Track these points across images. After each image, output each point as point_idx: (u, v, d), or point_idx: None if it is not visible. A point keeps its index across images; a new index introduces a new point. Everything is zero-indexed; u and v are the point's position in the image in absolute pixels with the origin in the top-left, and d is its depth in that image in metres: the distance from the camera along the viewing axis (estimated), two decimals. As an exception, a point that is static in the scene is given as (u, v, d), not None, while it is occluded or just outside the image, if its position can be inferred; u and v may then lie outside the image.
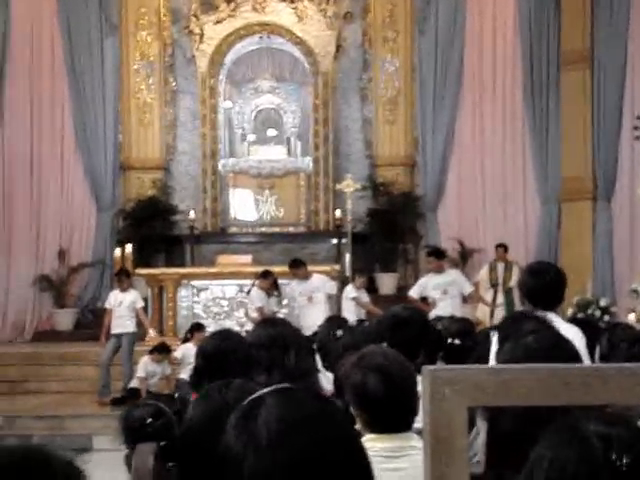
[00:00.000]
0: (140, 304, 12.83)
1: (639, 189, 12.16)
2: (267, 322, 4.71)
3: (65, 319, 16.44)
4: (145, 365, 12.08)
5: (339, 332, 4.76)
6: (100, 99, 17.21)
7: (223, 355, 3.99)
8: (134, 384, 12.19)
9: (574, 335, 4.62)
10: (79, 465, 1.42)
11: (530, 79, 16.61)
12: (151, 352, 12.18)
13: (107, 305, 12.97)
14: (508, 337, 3.50)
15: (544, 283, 4.77)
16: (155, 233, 16.99)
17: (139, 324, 12.88)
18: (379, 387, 2.92)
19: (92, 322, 15.58)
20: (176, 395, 10.04)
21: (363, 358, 3.06)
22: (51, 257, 16.83)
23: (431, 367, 1.45)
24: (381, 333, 4.18)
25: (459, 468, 1.38)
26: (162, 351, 12.11)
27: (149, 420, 3.42)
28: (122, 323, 12.59)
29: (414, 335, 4.06)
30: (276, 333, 4.24)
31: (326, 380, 4.63)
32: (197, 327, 12.13)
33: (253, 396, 1.57)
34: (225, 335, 4.24)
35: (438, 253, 13.27)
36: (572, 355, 2.69)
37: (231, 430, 1.53)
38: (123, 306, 12.64)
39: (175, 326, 14.40)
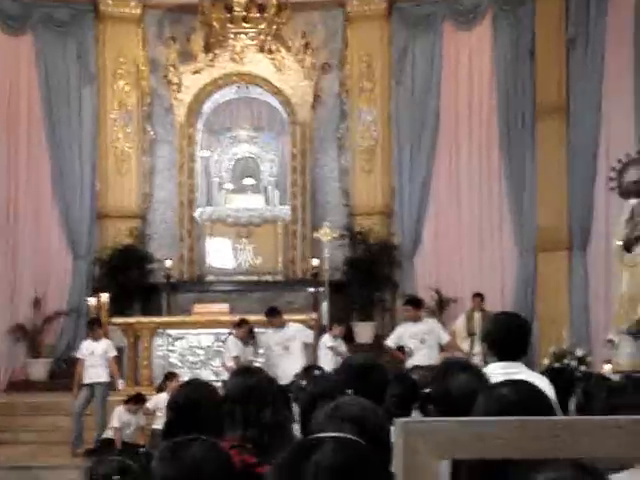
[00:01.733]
0: (112, 353, 12.73)
1: (615, 239, 12.22)
2: (244, 371, 4.65)
3: (39, 369, 16.28)
4: (120, 415, 11.95)
5: (303, 382, 4.73)
6: (77, 147, 17.23)
7: (194, 406, 3.95)
8: (108, 434, 12.04)
9: (544, 386, 4.61)
10: None
11: (506, 129, 16.76)
12: (126, 402, 12.05)
13: (79, 355, 12.88)
14: (441, 386, 3.51)
15: (506, 333, 4.75)
16: (131, 281, 16.92)
17: (111, 374, 12.77)
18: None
19: (66, 372, 15.39)
20: (141, 450, 9.94)
21: (338, 408, 3.03)
22: (26, 305, 16.70)
23: (404, 419, 1.44)
24: (342, 383, 4.17)
25: (433, 521, 1.38)
26: (138, 401, 11.99)
27: (115, 477, 3.39)
28: (94, 373, 12.49)
29: (372, 382, 4.05)
30: (253, 384, 4.19)
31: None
32: (170, 376, 12.04)
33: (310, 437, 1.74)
34: (195, 385, 4.19)
35: (415, 302, 13.20)
36: (547, 407, 2.68)
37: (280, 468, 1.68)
38: (95, 355, 12.55)
39: (151, 375, 14.28)
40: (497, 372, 4.01)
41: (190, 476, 2.44)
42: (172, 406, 4.09)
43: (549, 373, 5.11)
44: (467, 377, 3.45)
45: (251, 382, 4.18)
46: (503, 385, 2.90)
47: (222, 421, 3.88)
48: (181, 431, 3.83)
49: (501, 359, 4.65)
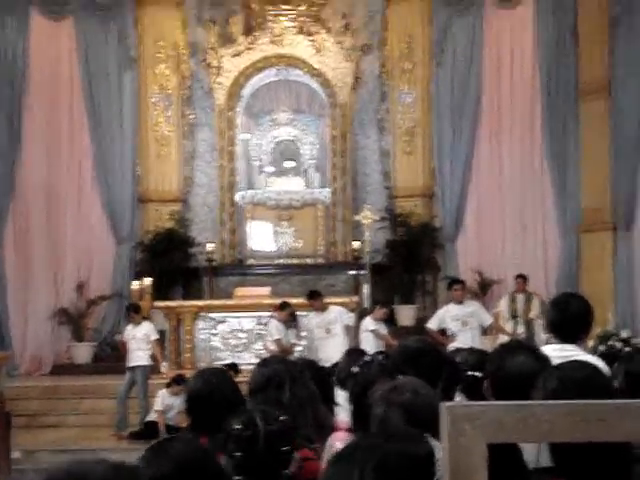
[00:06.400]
0: (154, 336, 12.83)
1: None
2: (262, 362, 4.76)
3: (83, 352, 16.45)
4: (162, 398, 12.04)
5: (354, 369, 4.74)
6: (118, 132, 17.32)
7: (208, 397, 4.04)
8: (152, 417, 12.14)
9: (600, 368, 4.54)
10: None
11: (548, 109, 16.62)
12: (168, 385, 12.14)
13: (123, 338, 13.10)
14: (499, 368, 3.48)
15: (566, 315, 4.69)
16: (173, 265, 17.01)
17: (154, 357, 12.88)
18: (400, 422, 2.89)
19: (110, 355, 15.61)
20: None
21: (392, 391, 3.04)
22: (69, 290, 16.86)
23: (450, 403, 1.44)
24: (395, 367, 4.15)
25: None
26: (179, 383, 12.06)
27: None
28: (135, 356, 12.64)
29: (426, 366, 4.03)
30: (269, 373, 4.29)
31: (345, 413, 4.60)
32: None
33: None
34: (205, 377, 4.28)
35: (462, 282, 13.34)
36: (608, 388, 2.66)
37: None
38: (136, 339, 12.70)
39: (193, 358, 14.36)
40: (552, 354, 3.97)
41: (172, 475, 2.43)
42: (189, 404, 4.18)
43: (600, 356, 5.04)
44: (525, 358, 3.41)
45: (267, 372, 4.28)
46: (563, 366, 2.87)
47: (242, 406, 3.93)
48: (203, 423, 3.90)
49: (561, 341, 4.60)
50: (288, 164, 18.32)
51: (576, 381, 2.62)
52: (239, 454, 3.07)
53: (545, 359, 3.50)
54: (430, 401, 2.95)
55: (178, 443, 2.45)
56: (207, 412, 3.99)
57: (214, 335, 14.62)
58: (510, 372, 3.36)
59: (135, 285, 16.12)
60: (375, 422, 3.00)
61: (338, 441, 3.66)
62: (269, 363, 4.60)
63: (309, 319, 12.96)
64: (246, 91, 17.98)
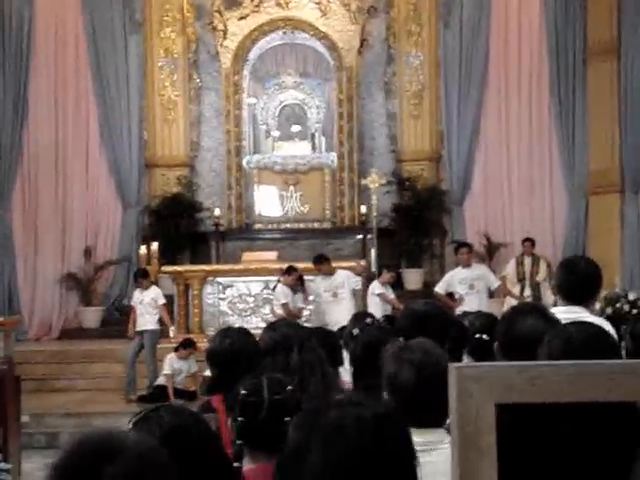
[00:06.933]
0: (161, 301, 12.84)
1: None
2: (270, 326, 4.85)
3: (92, 317, 16.52)
4: (171, 362, 12.10)
5: (355, 331, 4.76)
6: (124, 96, 17.27)
7: (235, 356, 4.08)
8: (160, 381, 12.20)
9: (607, 329, 4.54)
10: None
11: (556, 71, 16.54)
12: (177, 349, 12.20)
13: (132, 303, 13.10)
14: (509, 330, 3.48)
15: (574, 277, 4.68)
16: (180, 230, 17.04)
17: (162, 321, 12.92)
18: (410, 380, 2.92)
19: (118, 320, 15.64)
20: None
21: (403, 350, 3.07)
22: (77, 255, 16.91)
23: (457, 364, 1.44)
24: (402, 330, 4.16)
25: (487, 464, 1.38)
26: (187, 347, 12.12)
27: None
28: (142, 320, 12.67)
29: (434, 329, 4.04)
30: (277, 337, 4.35)
31: (348, 374, 4.65)
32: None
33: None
34: (234, 336, 4.30)
35: (470, 245, 13.35)
36: (612, 347, 2.66)
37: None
38: (144, 304, 12.72)
39: (201, 323, 14.40)
40: (559, 316, 3.98)
41: (164, 443, 2.41)
42: (212, 360, 4.19)
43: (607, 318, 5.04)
44: (535, 320, 3.41)
45: (276, 336, 4.39)
46: (569, 326, 2.87)
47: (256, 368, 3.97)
48: (224, 381, 3.91)
49: (568, 303, 4.59)
50: (294, 128, 18.26)
51: (581, 341, 2.62)
52: (242, 419, 3.09)
53: (555, 321, 3.50)
54: (441, 361, 2.97)
55: (164, 412, 2.41)
56: (230, 371, 4.02)
57: (222, 300, 14.65)
58: (520, 334, 3.37)
59: (143, 250, 16.15)
60: (385, 380, 3.02)
61: None
62: (277, 327, 4.64)
63: (316, 283, 12.99)
64: (252, 54, 17.88)
